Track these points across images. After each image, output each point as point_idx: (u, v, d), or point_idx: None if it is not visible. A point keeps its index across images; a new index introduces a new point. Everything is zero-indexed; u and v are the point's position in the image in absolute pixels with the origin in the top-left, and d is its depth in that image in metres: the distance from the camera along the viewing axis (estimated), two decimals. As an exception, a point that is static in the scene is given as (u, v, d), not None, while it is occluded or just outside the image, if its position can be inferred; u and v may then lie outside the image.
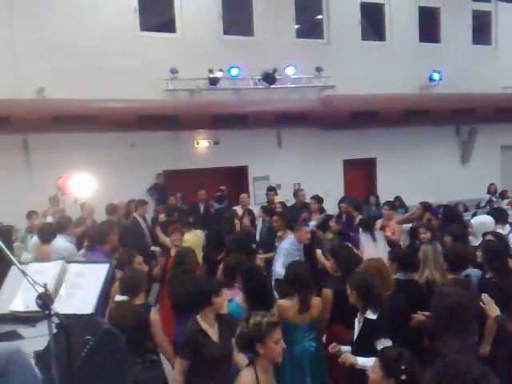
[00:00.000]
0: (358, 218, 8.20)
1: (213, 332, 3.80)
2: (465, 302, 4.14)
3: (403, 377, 2.67)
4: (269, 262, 7.11)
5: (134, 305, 4.22)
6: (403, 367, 2.69)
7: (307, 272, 4.59)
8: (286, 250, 6.50)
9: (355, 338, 3.93)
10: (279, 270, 6.17)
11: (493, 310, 3.59)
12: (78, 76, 10.34)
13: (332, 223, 7.77)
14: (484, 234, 5.71)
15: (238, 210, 9.28)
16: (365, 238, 7.65)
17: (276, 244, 7.25)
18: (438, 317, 3.78)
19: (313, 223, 8.17)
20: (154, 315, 4.25)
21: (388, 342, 3.67)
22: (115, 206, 8.84)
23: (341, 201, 9.43)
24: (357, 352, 3.78)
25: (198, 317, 3.83)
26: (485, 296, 3.67)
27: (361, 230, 7.82)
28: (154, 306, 4.44)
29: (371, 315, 3.80)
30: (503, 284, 4.60)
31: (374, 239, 7.50)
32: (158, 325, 4.26)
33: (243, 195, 10.04)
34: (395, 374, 2.69)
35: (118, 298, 4.16)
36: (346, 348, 4.03)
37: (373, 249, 7.31)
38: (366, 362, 3.49)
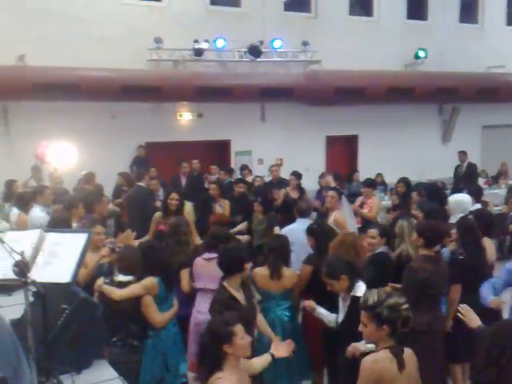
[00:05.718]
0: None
1: (240, 296, 3.92)
2: (433, 278, 4.18)
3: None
4: None
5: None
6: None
7: (280, 242, 4.78)
8: None
9: (343, 317, 3.88)
10: None
11: (473, 321, 3.44)
12: (60, 43, 10.12)
13: None
14: (471, 213, 5.70)
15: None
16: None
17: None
18: (408, 292, 3.82)
19: None
20: None
21: None
22: (92, 174, 8.70)
23: (321, 177, 9.47)
24: (346, 330, 3.72)
25: (226, 283, 3.92)
26: (464, 306, 3.56)
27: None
28: None
29: (359, 293, 3.74)
30: (470, 261, 4.66)
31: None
32: None
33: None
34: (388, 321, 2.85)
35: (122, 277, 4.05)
36: (322, 311, 4.09)
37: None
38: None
